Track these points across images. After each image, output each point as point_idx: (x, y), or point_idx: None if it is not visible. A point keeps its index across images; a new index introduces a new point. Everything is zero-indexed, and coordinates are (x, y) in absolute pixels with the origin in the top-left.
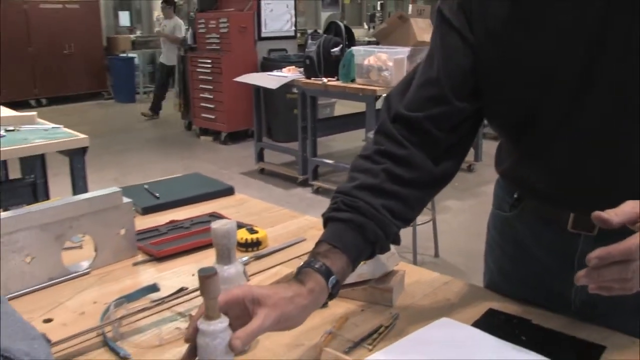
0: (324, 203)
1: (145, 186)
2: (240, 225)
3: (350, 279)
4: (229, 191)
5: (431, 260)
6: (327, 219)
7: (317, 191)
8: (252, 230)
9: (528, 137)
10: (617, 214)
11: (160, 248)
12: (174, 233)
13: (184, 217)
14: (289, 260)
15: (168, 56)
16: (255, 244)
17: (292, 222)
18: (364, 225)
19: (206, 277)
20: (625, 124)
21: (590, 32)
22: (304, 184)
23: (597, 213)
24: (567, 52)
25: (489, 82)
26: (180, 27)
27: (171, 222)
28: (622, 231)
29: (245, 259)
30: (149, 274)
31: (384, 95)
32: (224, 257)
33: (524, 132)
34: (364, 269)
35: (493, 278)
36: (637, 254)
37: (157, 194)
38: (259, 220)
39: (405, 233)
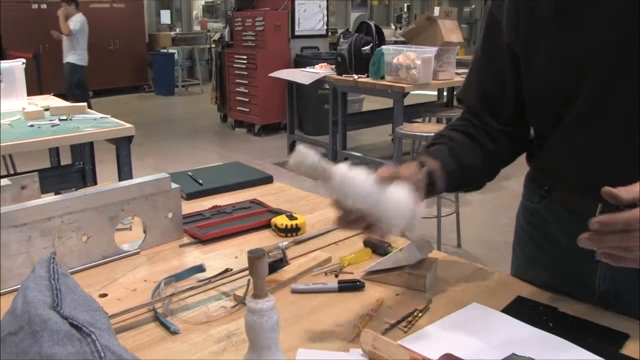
0: None
1: (189, 173)
2: (280, 212)
3: (386, 265)
4: (268, 179)
5: (454, 251)
6: (426, 147)
7: None
8: (291, 217)
9: (561, 125)
10: (627, 192)
11: (205, 231)
12: (217, 218)
13: (226, 203)
14: (326, 246)
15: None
16: (295, 230)
17: (329, 209)
18: (454, 149)
19: (255, 257)
20: None
21: (625, 26)
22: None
23: (606, 188)
24: (603, 43)
25: (531, 70)
26: (84, 23)
27: (214, 207)
28: None
29: (285, 243)
30: (194, 255)
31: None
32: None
33: (557, 120)
34: (399, 256)
35: (521, 266)
36: (638, 225)
37: (201, 181)
38: (297, 207)
39: (430, 224)
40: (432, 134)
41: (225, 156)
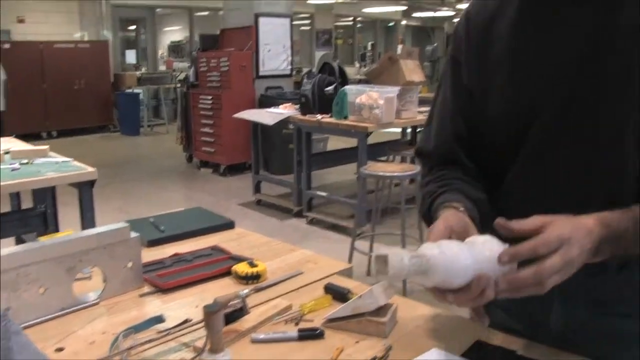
0: (318, 233)
1: (151, 220)
2: (241, 259)
3: (345, 312)
4: (229, 225)
5: (420, 289)
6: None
7: (312, 222)
8: (252, 264)
9: (515, 165)
10: (519, 223)
11: (166, 280)
12: (178, 266)
13: (187, 250)
14: (287, 293)
15: None
16: (256, 277)
17: (290, 255)
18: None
19: (211, 312)
20: (603, 156)
21: (573, 65)
22: (299, 215)
23: (498, 220)
24: (552, 82)
25: (486, 110)
26: None
27: (175, 255)
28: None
29: (246, 291)
30: (155, 305)
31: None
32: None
33: (512, 160)
34: (359, 303)
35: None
36: (545, 250)
37: (162, 228)
38: (258, 253)
39: None
40: (396, 174)
41: (191, 197)
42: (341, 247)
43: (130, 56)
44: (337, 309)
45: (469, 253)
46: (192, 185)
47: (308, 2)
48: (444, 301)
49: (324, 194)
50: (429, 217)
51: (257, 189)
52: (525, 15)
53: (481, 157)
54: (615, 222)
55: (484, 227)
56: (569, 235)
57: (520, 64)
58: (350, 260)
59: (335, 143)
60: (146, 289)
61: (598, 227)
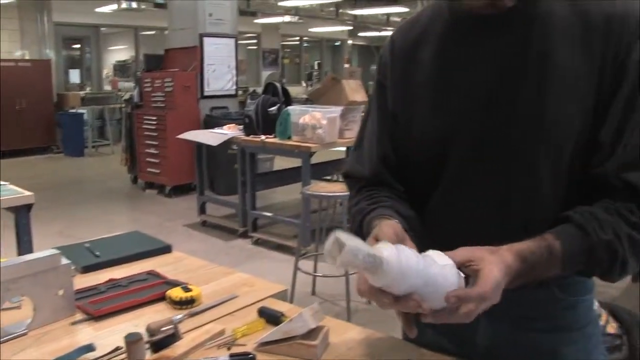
0: (263, 254)
1: (86, 245)
2: (176, 284)
3: (277, 335)
4: (166, 249)
5: (364, 307)
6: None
7: (257, 242)
8: (186, 289)
9: (438, 190)
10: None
11: (98, 307)
12: (113, 291)
13: (123, 276)
14: (221, 317)
15: None
16: (190, 302)
17: (226, 278)
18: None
19: (131, 342)
20: (517, 180)
21: (490, 93)
22: (244, 235)
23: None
24: (470, 108)
25: (409, 135)
26: None
27: (110, 280)
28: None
29: (179, 316)
30: (86, 333)
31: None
32: (367, 271)
33: (434, 184)
34: (290, 326)
35: None
36: (493, 297)
37: (98, 253)
38: (194, 277)
39: (338, 282)
40: (338, 194)
41: (136, 219)
42: (286, 267)
43: (74, 75)
44: (269, 332)
45: (423, 272)
46: (137, 207)
47: (255, 21)
48: (379, 300)
49: (268, 214)
50: (360, 235)
51: (202, 210)
52: (446, 45)
53: (408, 179)
54: (530, 254)
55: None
56: (501, 280)
57: (441, 92)
58: (294, 280)
59: (282, 162)
60: (78, 316)
61: (516, 262)
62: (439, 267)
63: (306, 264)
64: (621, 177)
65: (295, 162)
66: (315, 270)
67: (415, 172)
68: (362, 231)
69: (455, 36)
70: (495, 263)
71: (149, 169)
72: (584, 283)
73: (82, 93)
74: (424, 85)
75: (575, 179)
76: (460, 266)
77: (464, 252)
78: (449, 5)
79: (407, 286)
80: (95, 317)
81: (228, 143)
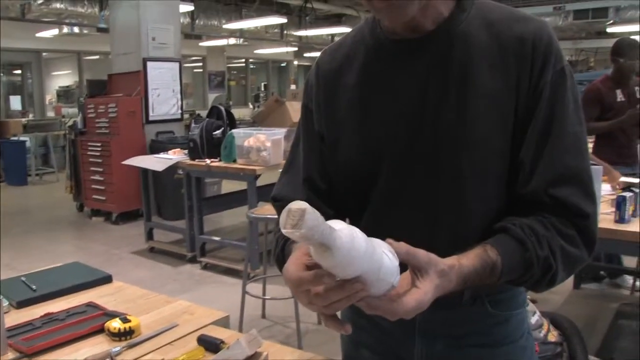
0: (213, 278)
1: (22, 278)
2: (114, 315)
3: None
4: (107, 279)
5: (315, 328)
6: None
7: (205, 267)
8: (125, 320)
9: (368, 211)
10: (411, 251)
11: (32, 344)
12: (49, 326)
13: (61, 309)
14: (161, 347)
15: None
16: (129, 333)
17: (167, 307)
18: None
19: None
20: (445, 200)
21: (410, 118)
22: (193, 260)
23: (390, 240)
24: (393, 133)
25: (335, 158)
26: None
27: (46, 314)
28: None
29: (118, 349)
30: None
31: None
32: (320, 247)
33: (364, 205)
34: (227, 354)
35: (347, 349)
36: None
37: (34, 287)
38: (134, 307)
39: (287, 304)
40: None
41: (82, 247)
42: (235, 291)
43: (15, 102)
44: None
45: (370, 254)
46: (83, 235)
47: (200, 44)
48: (319, 282)
49: (216, 238)
50: (281, 258)
51: (149, 236)
52: (369, 68)
53: (338, 201)
54: (474, 276)
55: None
56: (427, 303)
57: (365, 116)
58: (242, 304)
59: (231, 185)
60: (10, 355)
61: (456, 286)
62: (381, 252)
63: (256, 287)
64: (549, 194)
65: (242, 185)
66: (264, 294)
67: (345, 194)
68: (283, 254)
69: (377, 60)
70: (434, 290)
71: (94, 196)
72: (516, 298)
73: (24, 120)
74: (349, 109)
75: (504, 196)
76: (406, 259)
77: (421, 255)
78: (370, 29)
79: (355, 267)
80: (29, 354)
81: (174, 168)
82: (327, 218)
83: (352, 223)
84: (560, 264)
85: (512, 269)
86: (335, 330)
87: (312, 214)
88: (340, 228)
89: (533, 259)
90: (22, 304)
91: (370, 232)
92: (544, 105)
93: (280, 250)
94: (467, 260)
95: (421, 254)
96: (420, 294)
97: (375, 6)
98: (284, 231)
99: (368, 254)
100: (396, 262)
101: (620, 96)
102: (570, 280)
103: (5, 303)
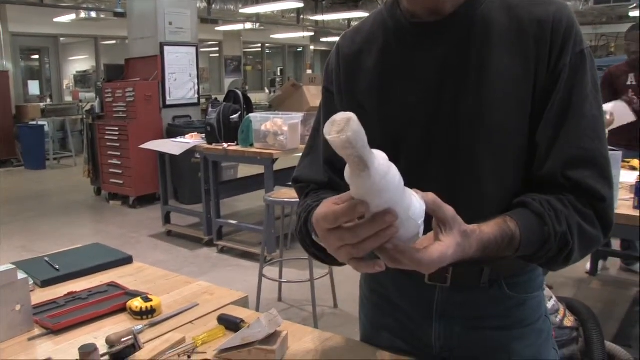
0: (229, 262)
1: (46, 258)
2: (136, 294)
3: (236, 342)
4: (127, 260)
5: (331, 312)
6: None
7: (222, 250)
8: (146, 299)
9: None
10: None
11: (57, 321)
12: (72, 305)
13: (83, 288)
14: (182, 326)
15: None
16: (150, 312)
17: (187, 287)
18: None
19: (86, 353)
20: (461, 182)
21: (427, 100)
22: (210, 244)
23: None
24: (412, 118)
25: None
26: None
27: (70, 293)
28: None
29: (140, 327)
30: (45, 347)
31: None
32: (356, 166)
33: None
34: (248, 332)
35: (366, 331)
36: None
37: (57, 266)
38: (154, 287)
39: (304, 287)
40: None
41: (100, 231)
42: (252, 274)
43: (34, 87)
44: (228, 340)
45: (402, 189)
46: (101, 219)
47: (216, 29)
48: (351, 214)
49: (233, 222)
50: (305, 231)
51: (167, 219)
52: (389, 52)
53: None
54: (494, 245)
55: None
56: (447, 261)
57: (385, 98)
58: (259, 287)
59: (246, 170)
60: (37, 331)
61: (476, 252)
62: (410, 193)
63: (272, 271)
64: (565, 175)
65: (259, 169)
66: (280, 277)
67: None
68: (307, 228)
69: (397, 43)
70: (456, 247)
71: (112, 180)
72: (534, 281)
73: (42, 105)
74: (368, 92)
75: (521, 179)
76: (432, 209)
77: (447, 208)
78: (390, 12)
79: (389, 196)
80: (54, 331)
81: (191, 152)
82: None
83: None
84: (577, 241)
85: (530, 241)
86: (368, 270)
87: (357, 122)
88: (378, 152)
89: (551, 232)
90: (46, 283)
91: None
92: (562, 87)
93: (304, 223)
94: (488, 228)
95: (448, 207)
96: (444, 247)
97: None
98: (328, 137)
99: (401, 187)
100: (423, 207)
101: (631, 79)
102: (586, 266)
103: (31, 282)
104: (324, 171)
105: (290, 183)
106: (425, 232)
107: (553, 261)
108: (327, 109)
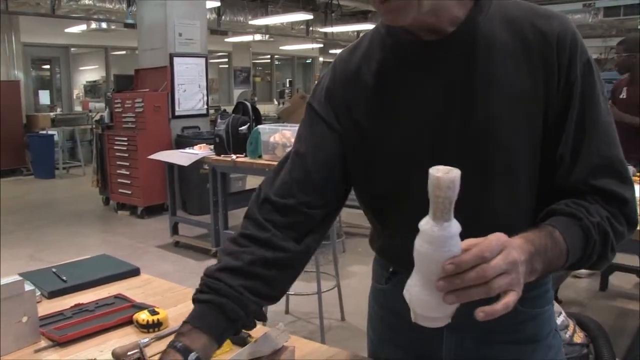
0: None
1: (53, 269)
2: (142, 307)
3: (242, 356)
4: (134, 272)
5: (338, 325)
6: (193, 301)
7: None
8: (153, 312)
9: (396, 214)
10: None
11: (63, 333)
12: (79, 317)
13: (90, 300)
14: None
15: None
16: (157, 325)
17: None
18: (223, 305)
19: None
20: (472, 198)
21: (434, 119)
22: (217, 255)
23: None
24: (418, 136)
25: (358, 165)
26: None
27: (76, 305)
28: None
29: (146, 340)
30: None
31: None
32: (445, 212)
33: (392, 210)
34: (255, 347)
35: (374, 347)
36: (489, 254)
37: (64, 277)
38: (162, 300)
39: (311, 299)
40: None
41: (108, 241)
42: None
43: (44, 97)
44: (235, 354)
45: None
46: (109, 229)
47: (226, 40)
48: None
49: None
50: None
51: (174, 230)
52: (388, 70)
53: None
54: (535, 238)
55: None
56: (507, 240)
57: (389, 118)
58: None
59: (256, 181)
60: (43, 343)
61: (524, 242)
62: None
63: None
64: (590, 184)
65: None
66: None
67: (375, 196)
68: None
69: (397, 62)
70: (498, 236)
71: (120, 190)
72: (543, 295)
73: (52, 114)
74: (368, 111)
75: (532, 194)
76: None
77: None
78: (388, 31)
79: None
80: (61, 343)
81: (199, 163)
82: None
83: (379, 227)
84: (612, 231)
85: (572, 237)
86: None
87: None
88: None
89: (588, 225)
90: (53, 294)
91: (405, 234)
92: (577, 99)
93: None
94: (533, 235)
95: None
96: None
97: (377, 9)
98: (436, 174)
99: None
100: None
101: (623, 93)
102: (596, 282)
103: (38, 293)
104: (285, 188)
105: None
106: None
107: (602, 256)
108: (310, 129)
